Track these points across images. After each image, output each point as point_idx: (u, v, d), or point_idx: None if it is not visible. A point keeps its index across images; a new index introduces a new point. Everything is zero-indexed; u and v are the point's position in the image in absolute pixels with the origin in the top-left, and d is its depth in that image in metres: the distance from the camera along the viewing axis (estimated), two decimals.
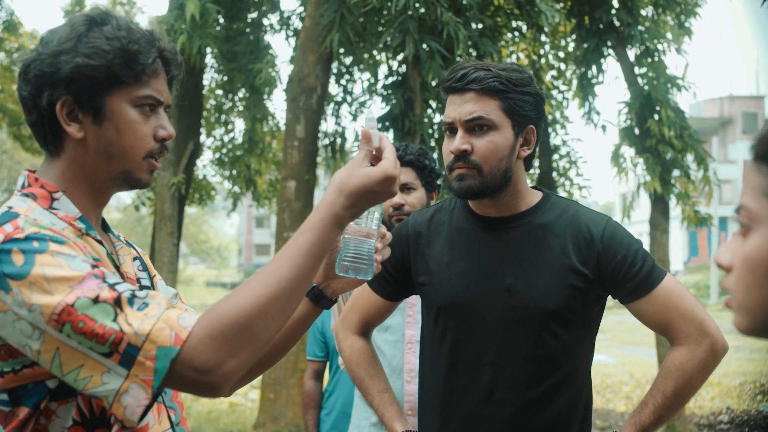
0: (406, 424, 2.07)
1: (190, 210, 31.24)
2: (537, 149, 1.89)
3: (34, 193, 1.29)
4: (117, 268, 1.34)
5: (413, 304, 2.61)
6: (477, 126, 1.78)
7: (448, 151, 1.82)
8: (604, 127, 7.84)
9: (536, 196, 1.91)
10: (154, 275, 1.53)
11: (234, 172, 9.17)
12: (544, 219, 1.86)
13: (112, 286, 1.14)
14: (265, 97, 8.97)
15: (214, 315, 1.14)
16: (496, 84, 1.77)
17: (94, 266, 1.17)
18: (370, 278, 1.37)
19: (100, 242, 1.32)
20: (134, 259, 1.46)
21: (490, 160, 1.78)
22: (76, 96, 1.27)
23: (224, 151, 9.42)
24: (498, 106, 1.78)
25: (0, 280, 1.13)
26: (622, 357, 13.84)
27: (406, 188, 2.65)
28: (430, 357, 1.97)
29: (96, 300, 1.12)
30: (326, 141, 8.40)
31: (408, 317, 2.62)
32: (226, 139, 9.64)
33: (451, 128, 1.82)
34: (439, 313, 1.92)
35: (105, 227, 1.42)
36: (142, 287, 1.40)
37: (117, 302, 1.13)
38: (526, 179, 1.90)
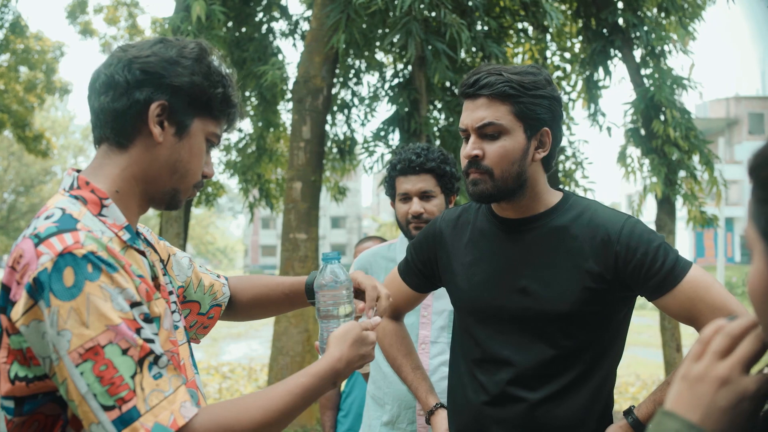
0: (437, 398, 2.21)
1: (197, 211, 31.27)
2: (555, 151, 1.90)
3: (84, 197, 1.30)
4: (155, 279, 1.37)
5: (428, 305, 2.61)
6: (488, 131, 1.80)
7: (462, 157, 1.85)
8: (609, 129, 7.81)
9: (556, 198, 1.91)
10: (168, 258, 1.57)
11: (245, 180, 9.11)
12: (561, 221, 1.86)
13: (145, 341, 1.18)
14: (279, 104, 8.89)
15: (213, 420, 1.21)
16: (506, 89, 1.78)
17: (135, 303, 1.20)
18: None
19: (142, 253, 1.35)
20: (159, 261, 1.49)
21: (502, 165, 1.80)
22: (173, 105, 1.32)
23: (236, 158, 9.34)
24: (509, 110, 1.79)
25: (44, 292, 1.15)
26: (628, 358, 13.76)
27: (425, 196, 2.58)
28: (456, 351, 2.04)
29: (125, 351, 1.15)
30: (335, 143, 8.36)
31: (422, 318, 2.61)
32: (235, 142, 9.57)
33: (465, 134, 1.85)
34: (461, 311, 2.00)
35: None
36: (170, 293, 1.44)
37: (141, 362, 1.16)
38: (545, 181, 1.91)
